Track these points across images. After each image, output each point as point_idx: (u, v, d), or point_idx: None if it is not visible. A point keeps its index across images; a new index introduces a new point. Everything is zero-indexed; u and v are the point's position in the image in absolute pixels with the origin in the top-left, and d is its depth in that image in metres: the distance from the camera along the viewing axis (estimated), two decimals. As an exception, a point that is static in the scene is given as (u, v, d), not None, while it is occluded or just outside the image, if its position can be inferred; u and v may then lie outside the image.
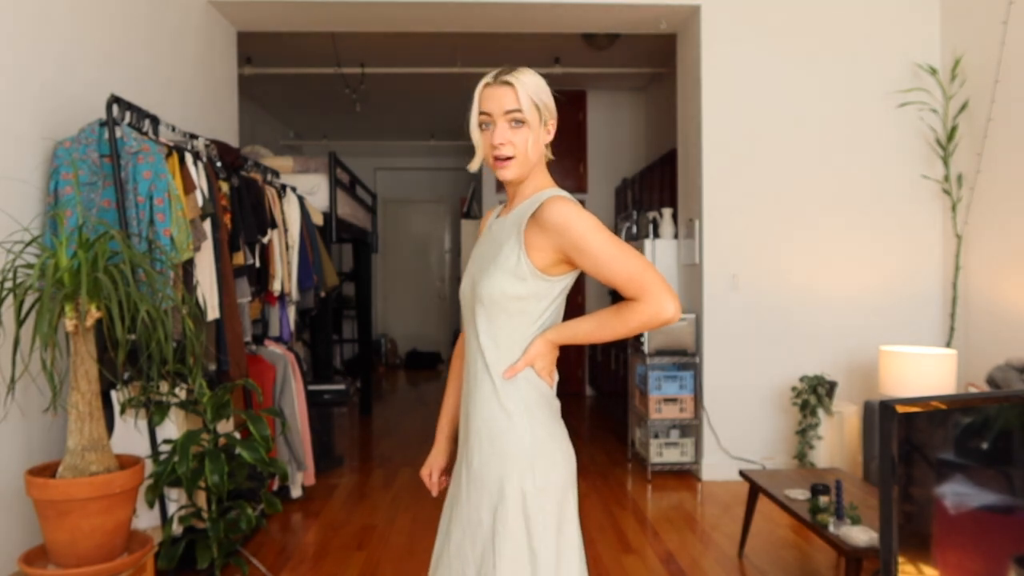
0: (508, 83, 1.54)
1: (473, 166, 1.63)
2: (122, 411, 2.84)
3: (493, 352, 1.57)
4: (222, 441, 2.93)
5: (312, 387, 5.10)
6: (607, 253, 1.51)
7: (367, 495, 4.33)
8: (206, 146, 3.44)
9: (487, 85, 1.56)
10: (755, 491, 3.31)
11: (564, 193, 1.59)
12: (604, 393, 6.85)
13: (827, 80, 4.58)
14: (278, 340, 4.33)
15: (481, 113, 1.56)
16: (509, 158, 1.54)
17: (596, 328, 1.58)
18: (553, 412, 1.62)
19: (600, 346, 6.86)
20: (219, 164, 3.49)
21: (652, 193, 6.25)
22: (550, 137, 1.62)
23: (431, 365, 10.26)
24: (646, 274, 1.52)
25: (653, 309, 1.51)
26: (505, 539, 1.51)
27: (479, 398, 1.58)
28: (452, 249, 10.67)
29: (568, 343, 1.60)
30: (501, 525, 1.51)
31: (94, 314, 2.29)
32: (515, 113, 1.53)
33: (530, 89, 1.55)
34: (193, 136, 3.42)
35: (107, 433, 2.42)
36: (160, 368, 2.46)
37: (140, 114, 2.99)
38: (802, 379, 4.30)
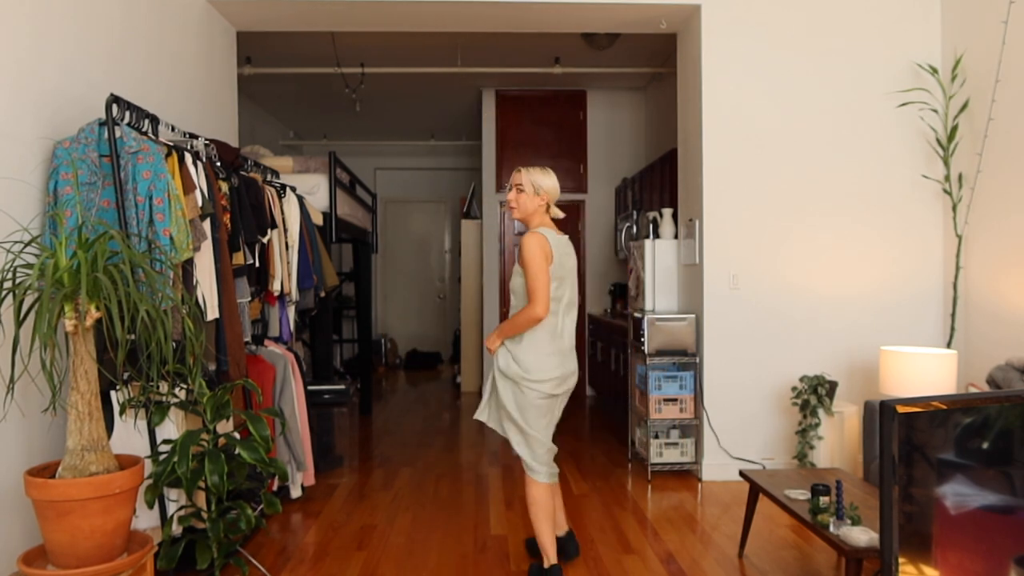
0: (519, 170, 3.07)
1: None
2: (122, 411, 2.84)
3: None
4: (222, 441, 2.93)
5: (312, 387, 5.10)
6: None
7: (367, 495, 4.33)
8: (206, 146, 3.44)
9: (515, 171, 3.08)
10: (755, 491, 3.30)
11: (538, 231, 2.96)
12: (604, 393, 6.85)
13: (827, 79, 4.58)
14: (278, 340, 4.33)
15: (513, 185, 3.09)
16: (512, 208, 3.09)
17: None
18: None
19: (600, 346, 6.86)
20: (219, 164, 3.49)
21: (652, 193, 6.24)
22: (541, 200, 3.04)
23: (431, 365, 10.25)
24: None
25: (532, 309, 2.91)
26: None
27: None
28: (452, 249, 10.65)
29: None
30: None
31: (93, 314, 2.29)
32: (518, 186, 3.06)
33: (531, 175, 3.04)
34: (193, 136, 3.42)
35: (107, 433, 2.42)
36: (160, 368, 2.46)
37: (139, 114, 2.99)
38: (802, 379, 4.30)
